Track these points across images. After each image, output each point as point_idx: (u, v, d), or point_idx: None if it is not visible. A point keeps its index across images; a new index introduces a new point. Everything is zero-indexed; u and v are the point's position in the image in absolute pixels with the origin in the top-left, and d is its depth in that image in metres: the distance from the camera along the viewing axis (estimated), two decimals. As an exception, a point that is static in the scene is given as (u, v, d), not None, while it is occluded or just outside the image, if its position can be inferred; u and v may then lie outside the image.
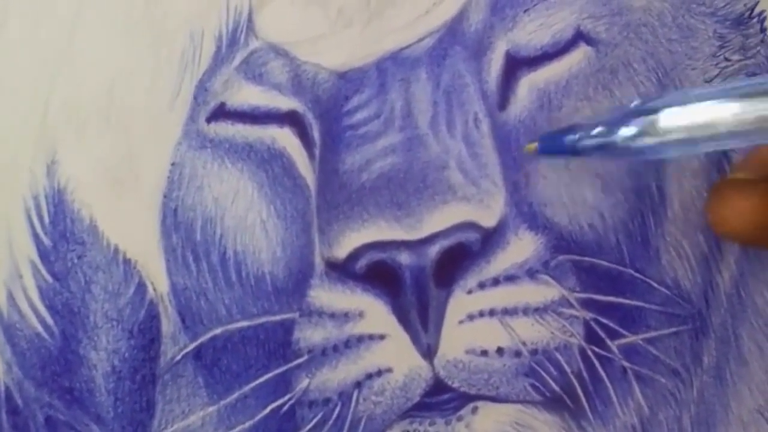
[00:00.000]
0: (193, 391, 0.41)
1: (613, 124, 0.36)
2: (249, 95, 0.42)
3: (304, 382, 0.41)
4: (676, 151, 0.36)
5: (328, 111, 0.41)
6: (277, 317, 0.41)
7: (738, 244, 0.42)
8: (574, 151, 0.37)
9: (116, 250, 0.41)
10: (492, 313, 0.41)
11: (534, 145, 0.39)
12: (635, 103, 0.36)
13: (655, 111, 0.35)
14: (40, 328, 0.41)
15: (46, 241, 0.41)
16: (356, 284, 0.41)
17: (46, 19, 0.42)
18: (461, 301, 0.40)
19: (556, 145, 0.38)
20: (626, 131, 0.36)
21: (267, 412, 0.41)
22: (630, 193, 0.42)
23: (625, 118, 0.36)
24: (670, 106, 0.35)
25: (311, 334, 0.41)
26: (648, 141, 0.35)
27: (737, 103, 0.34)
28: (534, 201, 0.41)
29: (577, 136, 0.37)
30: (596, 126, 0.37)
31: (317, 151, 0.41)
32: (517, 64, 0.42)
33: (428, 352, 0.40)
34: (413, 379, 0.41)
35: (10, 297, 0.41)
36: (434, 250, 0.40)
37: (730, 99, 0.35)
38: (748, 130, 0.34)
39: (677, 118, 0.35)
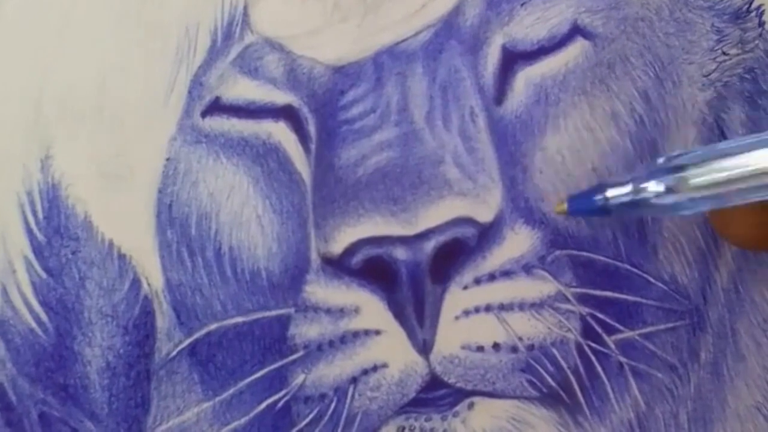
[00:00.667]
0: (188, 387, 0.41)
1: (642, 182, 0.37)
2: (244, 89, 0.42)
3: (300, 378, 0.41)
4: (708, 206, 0.37)
5: (324, 105, 0.41)
6: (273, 313, 0.41)
7: (740, 248, 0.42)
8: (605, 210, 0.38)
9: (111, 246, 0.41)
10: (488, 308, 0.41)
11: (563, 206, 0.39)
12: (661, 159, 0.37)
13: (683, 168, 0.36)
14: (34, 324, 0.41)
15: (40, 236, 0.41)
16: (352, 279, 0.40)
17: (38, 13, 0.41)
18: (457, 297, 0.40)
19: (585, 205, 0.38)
20: (656, 189, 0.36)
21: (262, 407, 0.41)
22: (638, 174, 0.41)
23: (654, 174, 0.37)
24: (697, 160, 0.36)
25: (307, 330, 0.41)
26: (679, 198, 0.36)
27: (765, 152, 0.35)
28: (530, 196, 0.41)
29: (606, 195, 0.38)
30: (625, 184, 0.37)
31: (313, 146, 0.41)
32: (513, 59, 0.42)
33: (424, 348, 0.40)
34: (409, 374, 0.40)
35: (4, 293, 0.41)
36: (430, 246, 0.40)
37: (757, 149, 0.35)
38: None
39: (707, 174, 0.36)
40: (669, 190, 0.36)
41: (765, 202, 0.36)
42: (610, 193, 0.38)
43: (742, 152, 0.36)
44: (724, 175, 0.35)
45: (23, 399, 0.41)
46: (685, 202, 0.36)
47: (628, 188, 0.37)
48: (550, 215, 0.41)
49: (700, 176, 0.36)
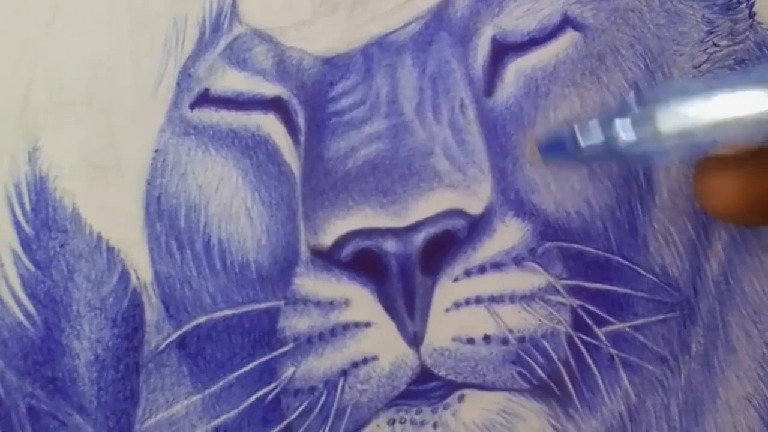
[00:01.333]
0: (178, 380, 0.41)
1: (609, 118, 0.35)
2: (233, 81, 0.41)
3: (290, 371, 0.40)
4: (679, 153, 0.36)
5: (313, 97, 0.41)
6: (262, 305, 0.41)
7: (723, 221, 0.41)
8: (578, 148, 0.36)
9: (99, 238, 0.41)
10: (478, 300, 0.41)
11: (535, 152, 0.38)
12: (630, 95, 0.36)
13: (652, 111, 0.35)
14: (22, 317, 0.41)
15: (28, 229, 0.41)
16: (342, 272, 0.40)
17: (27, 4, 0.41)
18: (448, 289, 0.40)
19: (557, 147, 0.37)
20: (625, 137, 0.35)
21: (252, 400, 0.41)
22: (617, 180, 0.41)
23: (621, 111, 0.35)
24: (665, 107, 0.35)
25: (296, 323, 0.41)
26: (649, 146, 0.35)
27: (740, 96, 0.34)
28: (521, 188, 0.41)
29: (576, 140, 0.36)
30: (594, 124, 0.36)
31: (302, 138, 0.41)
32: (503, 50, 0.42)
33: (414, 340, 0.40)
34: (399, 367, 0.40)
35: (-8, 286, 0.41)
36: (420, 238, 0.40)
37: (734, 90, 0.34)
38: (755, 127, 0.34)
39: (678, 119, 0.34)
40: (635, 123, 0.34)
41: (748, 168, 0.36)
42: (583, 141, 0.36)
43: (712, 92, 0.34)
44: (696, 122, 0.34)
45: (11, 392, 0.41)
46: (655, 149, 0.35)
47: (600, 138, 0.35)
48: (540, 207, 0.41)
49: (671, 124, 0.34)
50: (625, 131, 0.35)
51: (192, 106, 0.41)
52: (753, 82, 0.34)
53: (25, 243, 0.41)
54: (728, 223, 0.41)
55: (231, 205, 0.41)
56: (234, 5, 0.41)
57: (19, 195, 0.41)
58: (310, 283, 0.41)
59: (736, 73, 0.36)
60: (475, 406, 0.41)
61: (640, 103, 0.35)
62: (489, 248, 0.41)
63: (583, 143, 0.36)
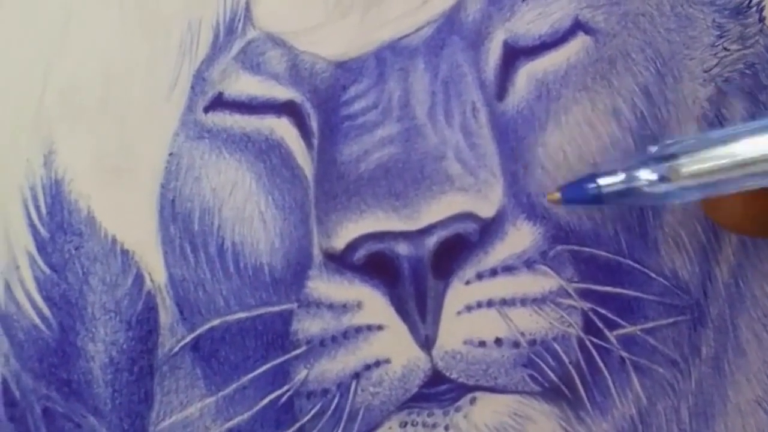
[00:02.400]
0: (191, 383, 0.41)
1: (634, 170, 0.37)
2: (247, 85, 0.42)
3: (303, 373, 0.41)
4: (700, 194, 0.37)
5: (326, 101, 0.41)
6: (276, 308, 0.41)
7: (731, 232, 0.42)
8: (598, 199, 0.38)
9: (114, 241, 0.41)
10: (490, 303, 0.41)
11: (557, 195, 0.39)
12: (655, 148, 0.37)
13: (675, 156, 0.36)
14: (37, 320, 0.41)
15: (44, 232, 0.41)
16: (354, 275, 0.40)
17: (42, 8, 0.41)
18: (459, 292, 0.40)
19: (579, 194, 0.38)
20: (648, 177, 0.36)
21: (265, 403, 0.41)
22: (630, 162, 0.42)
23: (646, 163, 0.37)
24: (690, 149, 0.36)
25: (309, 325, 0.41)
26: (672, 186, 0.36)
27: (756, 141, 0.35)
28: (532, 191, 0.41)
29: (599, 183, 0.37)
30: (617, 173, 0.37)
31: (315, 142, 0.41)
32: (515, 54, 0.42)
33: (426, 343, 0.40)
34: (411, 370, 0.40)
35: (8, 288, 0.41)
36: (432, 241, 0.40)
37: (747, 137, 0.35)
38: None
39: (699, 163, 0.36)
40: (661, 179, 0.36)
41: (755, 189, 0.36)
42: (603, 181, 0.37)
43: (733, 140, 0.36)
44: (715, 163, 0.35)
45: (27, 394, 0.41)
46: (677, 191, 0.36)
47: (621, 177, 0.37)
48: (551, 210, 0.41)
49: (692, 165, 0.36)
50: (649, 177, 0.36)
51: (206, 110, 0.42)
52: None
53: (40, 246, 0.41)
54: (736, 233, 0.42)
55: (244, 209, 0.41)
56: (248, 9, 0.41)
57: (35, 198, 0.41)
58: (323, 286, 0.41)
59: (752, 122, 0.36)
60: (487, 409, 0.41)
61: (662, 150, 0.37)
62: (500, 251, 0.41)
63: (603, 184, 0.37)
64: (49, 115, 0.41)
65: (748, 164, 0.35)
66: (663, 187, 0.36)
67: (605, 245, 0.41)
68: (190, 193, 0.41)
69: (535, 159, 0.41)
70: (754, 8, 0.43)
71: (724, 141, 0.36)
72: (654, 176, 0.36)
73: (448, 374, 0.40)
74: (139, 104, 0.41)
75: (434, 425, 0.41)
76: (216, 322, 0.41)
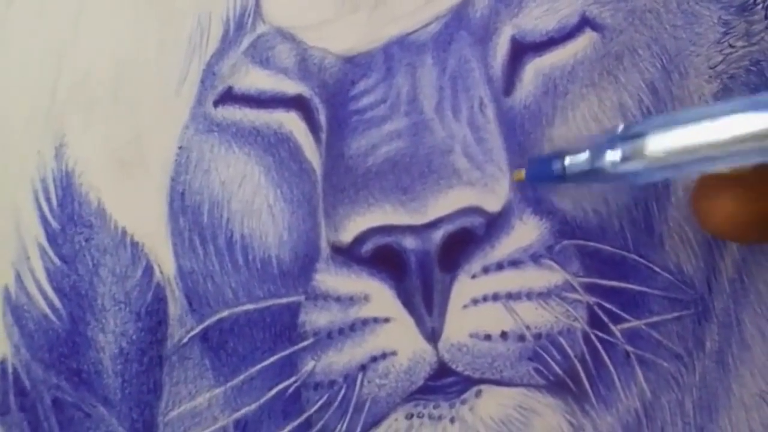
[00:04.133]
0: (200, 373, 0.41)
1: (599, 149, 0.36)
2: (256, 79, 0.42)
3: (310, 365, 0.41)
4: (663, 175, 0.36)
5: (335, 95, 0.42)
6: (283, 300, 0.41)
7: (722, 239, 0.42)
8: (562, 178, 0.38)
9: (124, 233, 0.42)
10: (496, 297, 0.41)
11: (521, 172, 0.39)
12: (621, 127, 0.37)
13: (641, 135, 0.36)
14: (47, 311, 0.41)
15: (54, 223, 0.42)
16: (361, 268, 0.41)
17: (54, 1, 0.42)
18: (465, 286, 0.41)
19: (543, 171, 0.38)
20: (612, 156, 0.36)
21: (273, 394, 0.41)
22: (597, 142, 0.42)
23: (611, 142, 0.36)
24: (655, 130, 0.35)
25: (317, 318, 0.41)
26: (635, 166, 0.36)
27: (721, 122, 0.34)
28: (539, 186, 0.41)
29: (564, 161, 0.37)
30: (582, 151, 0.37)
31: (323, 136, 0.42)
32: (522, 50, 0.42)
33: (432, 336, 0.41)
34: (417, 362, 0.41)
35: (19, 279, 0.41)
36: (439, 235, 0.40)
37: (713, 119, 0.35)
38: (735, 150, 0.34)
39: (663, 142, 0.35)
40: (625, 158, 0.36)
41: (745, 187, 0.37)
42: (568, 160, 0.37)
43: (698, 121, 0.35)
44: (679, 144, 0.35)
45: (37, 384, 0.41)
46: (642, 171, 0.36)
47: (585, 155, 0.37)
48: (557, 205, 0.41)
49: (656, 144, 0.35)
50: (612, 157, 0.36)
51: (215, 104, 0.42)
52: (732, 109, 0.35)
53: (51, 237, 0.41)
54: (727, 240, 0.42)
55: (253, 202, 0.42)
56: (257, 4, 0.42)
57: (46, 190, 0.42)
58: (331, 278, 0.41)
59: (719, 103, 0.36)
60: (492, 402, 0.41)
61: (628, 130, 0.36)
62: (507, 246, 0.41)
63: (567, 163, 0.37)
64: (60, 108, 0.42)
65: (712, 146, 0.34)
66: (627, 167, 0.36)
67: (611, 240, 0.42)
68: (199, 186, 0.42)
69: (542, 153, 0.42)
70: (760, 5, 0.43)
71: (689, 121, 0.35)
72: (617, 156, 0.36)
73: (453, 367, 0.41)
74: (149, 97, 0.42)
75: (440, 417, 0.41)
76: (224, 313, 0.41)
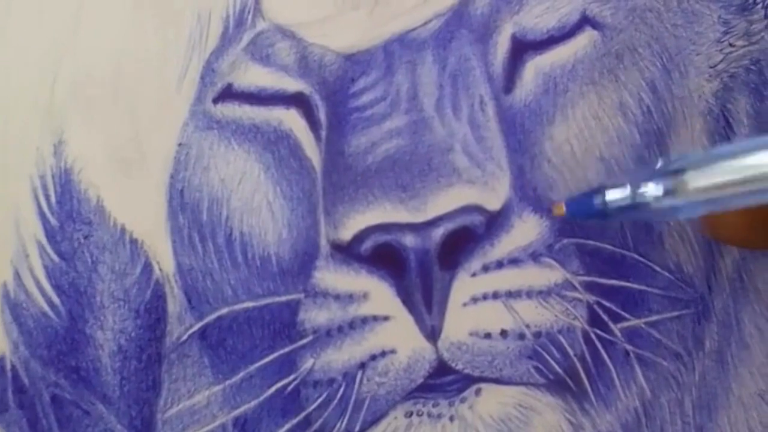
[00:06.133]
0: (199, 371, 0.41)
1: (639, 185, 0.37)
2: (256, 76, 0.42)
3: (309, 363, 0.41)
4: (705, 209, 0.36)
5: (335, 93, 0.42)
6: (283, 298, 0.41)
7: (726, 244, 0.42)
8: (603, 213, 0.38)
9: (123, 230, 0.41)
10: (496, 295, 0.41)
11: (561, 207, 0.39)
12: (660, 163, 0.37)
13: (682, 170, 0.36)
14: (46, 308, 0.41)
15: (53, 220, 0.41)
16: (361, 266, 0.41)
17: (53, -1, 0.42)
18: (465, 284, 0.41)
19: (584, 206, 0.38)
20: (655, 191, 0.36)
21: (272, 391, 0.41)
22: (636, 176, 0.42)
23: (652, 177, 0.36)
24: (697, 164, 0.36)
25: (316, 315, 0.41)
26: (678, 201, 0.36)
27: (763, 155, 0.35)
28: (539, 184, 0.41)
29: (605, 198, 0.37)
30: (623, 187, 0.37)
31: (323, 133, 0.42)
32: (523, 48, 0.42)
33: (432, 334, 0.41)
34: (417, 360, 0.41)
35: (17, 276, 0.41)
36: (439, 233, 0.40)
37: (752, 152, 0.35)
38: None
39: (706, 177, 0.35)
40: (667, 193, 0.36)
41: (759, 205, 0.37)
42: (609, 196, 0.37)
43: (740, 155, 0.35)
44: (722, 178, 0.35)
45: (36, 381, 0.41)
46: (684, 206, 0.36)
47: (626, 191, 0.37)
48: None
49: (699, 179, 0.35)
50: (653, 189, 0.36)
51: (215, 101, 0.42)
52: None
53: (50, 234, 0.41)
54: (731, 246, 0.42)
55: (253, 199, 0.41)
56: (257, 1, 0.42)
57: (45, 187, 0.41)
58: (330, 276, 0.41)
59: (759, 137, 0.36)
60: (492, 400, 0.41)
61: (668, 165, 0.36)
62: (506, 244, 0.41)
63: (609, 199, 0.37)
64: (60, 105, 0.42)
65: (756, 180, 0.35)
66: (669, 202, 0.36)
67: (610, 239, 0.42)
68: (198, 183, 0.42)
69: (541, 152, 0.42)
70: (760, 5, 0.43)
71: (731, 156, 0.35)
72: (660, 191, 0.36)
73: (453, 365, 0.41)
74: (149, 95, 0.41)
75: (439, 415, 0.41)
76: (224, 311, 0.41)
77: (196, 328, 0.41)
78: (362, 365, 0.41)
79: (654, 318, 0.42)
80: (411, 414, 0.41)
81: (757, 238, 0.39)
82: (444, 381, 0.41)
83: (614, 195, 0.37)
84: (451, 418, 0.41)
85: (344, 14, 0.42)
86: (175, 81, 0.42)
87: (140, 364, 0.41)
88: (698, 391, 0.42)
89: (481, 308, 0.41)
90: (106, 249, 0.41)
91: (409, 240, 0.40)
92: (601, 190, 0.38)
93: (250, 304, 0.41)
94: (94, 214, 0.41)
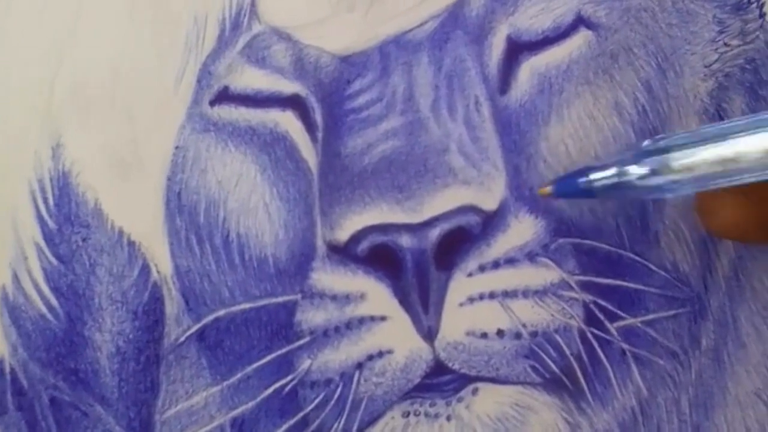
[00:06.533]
0: (197, 372, 0.41)
1: (626, 164, 0.37)
2: (252, 79, 0.42)
3: (306, 363, 0.41)
4: (691, 188, 0.37)
5: (331, 94, 0.42)
6: (280, 299, 0.41)
7: (723, 238, 0.42)
8: (589, 193, 0.38)
9: (120, 233, 0.42)
10: (492, 295, 0.41)
11: (548, 189, 0.39)
12: (647, 142, 0.37)
13: (667, 149, 0.36)
14: (45, 310, 0.41)
15: (51, 223, 0.42)
16: (358, 266, 0.41)
17: (51, 1, 0.42)
18: (462, 284, 0.41)
19: (570, 188, 0.38)
20: (639, 171, 0.36)
21: (269, 392, 0.41)
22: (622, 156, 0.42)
23: (638, 157, 0.37)
24: (682, 144, 0.36)
25: (313, 316, 0.41)
26: (662, 179, 0.36)
27: (748, 137, 0.35)
28: (534, 184, 0.41)
29: (590, 177, 0.38)
30: (609, 167, 0.37)
31: (319, 135, 0.42)
32: (518, 49, 0.42)
33: (429, 334, 0.41)
34: (414, 360, 0.41)
35: (15, 279, 0.41)
36: (435, 233, 0.40)
37: (741, 134, 0.35)
38: (762, 163, 0.35)
39: (690, 156, 0.36)
40: (653, 173, 0.36)
41: (746, 190, 0.37)
42: (594, 175, 0.38)
43: (725, 135, 0.36)
44: (706, 157, 0.35)
45: (34, 383, 0.41)
46: (669, 185, 0.36)
47: (612, 171, 0.37)
48: (553, 203, 0.41)
49: (683, 158, 0.36)
50: (640, 171, 0.36)
51: (212, 104, 0.42)
52: (758, 123, 0.36)
53: (48, 237, 0.42)
54: (728, 240, 0.42)
55: (249, 201, 0.42)
56: (253, 4, 0.42)
57: (43, 190, 0.42)
58: (327, 277, 0.41)
59: (744, 117, 0.37)
60: (489, 400, 0.41)
61: (654, 145, 0.37)
62: (503, 244, 0.41)
63: (594, 177, 0.37)
64: (57, 108, 0.42)
65: (739, 159, 0.35)
66: (654, 181, 0.36)
67: (606, 238, 0.42)
68: (196, 185, 0.42)
69: (537, 152, 0.42)
70: (755, 4, 0.43)
71: (716, 136, 0.36)
72: (645, 170, 0.36)
73: (450, 365, 0.41)
74: (146, 98, 0.42)
75: (436, 415, 0.41)
76: (221, 312, 0.41)
77: (193, 329, 0.41)
78: (359, 365, 0.41)
79: (650, 317, 0.42)
80: (408, 414, 0.41)
81: (753, 232, 0.39)
82: (441, 381, 0.41)
83: (600, 174, 0.37)
84: (448, 418, 0.41)
85: (340, 16, 0.42)
86: (172, 84, 0.42)
87: (138, 365, 0.41)
88: (695, 389, 0.42)
89: (477, 308, 0.41)
90: (103, 251, 0.41)
91: (405, 240, 0.40)
92: (587, 170, 0.38)
93: (247, 306, 0.41)
94: (91, 216, 0.42)
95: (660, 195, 0.37)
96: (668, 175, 0.36)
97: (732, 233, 0.40)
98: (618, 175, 0.37)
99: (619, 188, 0.37)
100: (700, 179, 0.36)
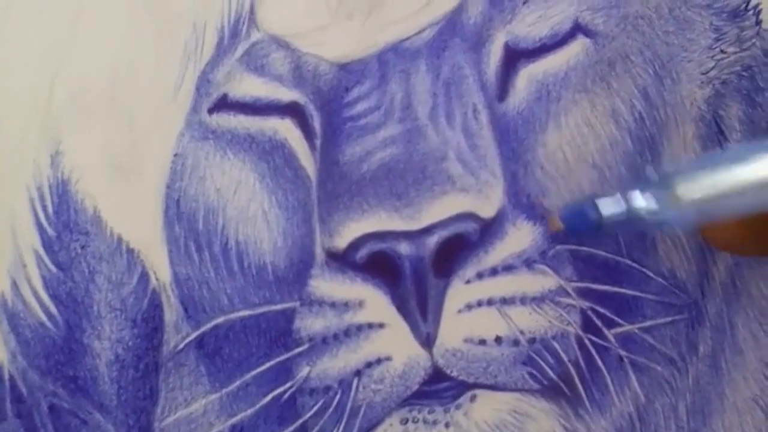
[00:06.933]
0: (196, 379, 0.41)
1: (632, 197, 0.36)
2: (251, 87, 0.42)
3: (305, 371, 0.41)
4: (699, 219, 0.36)
5: (329, 102, 0.42)
6: (278, 306, 0.41)
7: (721, 250, 0.42)
8: (600, 228, 0.37)
9: (119, 240, 0.42)
10: (490, 302, 0.41)
11: (556, 220, 0.39)
12: (653, 173, 0.37)
13: (673, 182, 0.36)
14: (44, 318, 0.41)
15: (50, 230, 0.42)
16: (356, 274, 0.41)
17: (50, 8, 0.42)
18: (460, 291, 0.41)
19: (580, 222, 0.38)
20: (648, 205, 0.36)
21: (268, 399, 0.41)
22: (627, 184, 0.42)
23: (643, 189, 0.36)
24: (688, 175, 0.36)
25: (312, 323, 0.41)
26: (671, 215, 0.36)
27: (756, 164, 0.35)
28: (532, 192, 0.42)
29: (599, 211, 0.37)
30: (614, 196, 0.37)
31: (318, 142, 0.42)
32: (516, 56, 0.42)
33: (427, 341, 0.41)
34: (412, 367, 0.41)
35: (14, 286, 0.41)
36: (433, 241, 0.41)
37: (747, 161, 0.35)
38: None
39: (698, 188, 0.35)
40: (661, 207, 0.36)
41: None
42: (603, 209, 0.37)
43: (731, 164, 0.35)
44: (713, 190, 0.35)
45: (33, 391, 0.41)
46: (677, 217, 0.36)
47: (621, 205, 0.37)
48: (551, 211, 0.42)
49: (691, 191, 0.35)
50: (647, 201, 0.36)
51: (210, 111, 0.42)
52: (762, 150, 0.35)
53: (47, 244, 0.42)
54: (726, 252, 0.42)
55: (248, 208, 0.42)
56: (252, 12, 0.42)
57: (42, 197, 0.42)
58: (325, 284, 0.41)
59: (748, 144, 0.36)
60: (487, 406, 0.41)
61: (660, 175, 0.36)
62: (500, 251, 0.41)
63: (605, 213, 0.37)
64: (56, 116, 0.42)
65: (747, 189, 0.35)
66: (663, 216, 0.36)
67: (604, 245, 0.42)
68: (194, 192, 0.42)
69: (535, 159, 0.42)
70: (751, 11, 0.43)
71: (722, 164, 0.35)
72: (653, 204, 0.36)
73: (448, 372, 0.41)
74: (145, 105, 0.42)
75: (435, 422, 0.41)
76: (220, 319, 0.41)
77: (192, 337, 0.41)
78: (358, 373, 0.41)
79: (648, 323, 0.42)
80: (407, 421, 0.41)
81: (752, 245, 0.39)
82: (439, 388, 0.41)
83: (609, 209, 0.37)
84: (447, 425, 0.41)
85: (338, 24, 0.42)
86: (171, 91, 0.42)
87: (137, 373, 0.41)
88: (692, 396, 0.42)
89: (475, 315, 0.41)
90: (102, 259, 0.41)
91: (403, 248, 0.40)
92: (593, 201, 0.37)
93: (246, 313, 0.41)
94: (90, 224, 0.42)
95: (669, 228, 0.37)
96: (677, 210, 0.35)
97: (731, 247, 0.40)
98: (627, 211, 0.36)
99: (628, 223, 0.37)
100: (709, 211, 0.36)
